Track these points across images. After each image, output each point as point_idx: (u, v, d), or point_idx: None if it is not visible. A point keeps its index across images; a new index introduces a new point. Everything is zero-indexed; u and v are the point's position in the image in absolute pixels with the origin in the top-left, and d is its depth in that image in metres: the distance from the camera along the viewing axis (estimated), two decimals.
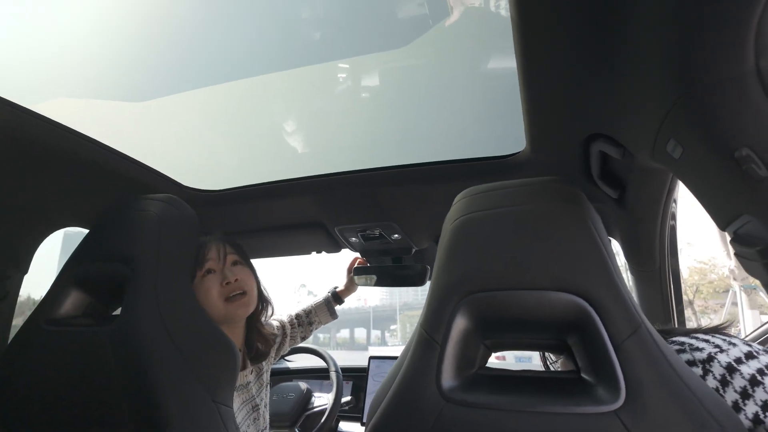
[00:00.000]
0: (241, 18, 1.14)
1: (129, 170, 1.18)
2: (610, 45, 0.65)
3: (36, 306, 1.02)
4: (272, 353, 1.51)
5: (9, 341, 1.02)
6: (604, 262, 0.53)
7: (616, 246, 1.35)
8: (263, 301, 1.39)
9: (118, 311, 0.94)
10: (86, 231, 1.11)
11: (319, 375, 2.23)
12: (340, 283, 1.84)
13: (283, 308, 1.72)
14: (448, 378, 0.54)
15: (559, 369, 0.96)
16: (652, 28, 0.57)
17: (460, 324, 0.56)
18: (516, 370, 0.58)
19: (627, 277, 1.41)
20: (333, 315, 1.77)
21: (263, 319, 1.43)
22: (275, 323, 1.62)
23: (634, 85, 0.67)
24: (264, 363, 1.44)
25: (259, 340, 1.38)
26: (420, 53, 1.38)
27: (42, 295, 1.02)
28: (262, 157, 1.51)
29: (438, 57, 1.44)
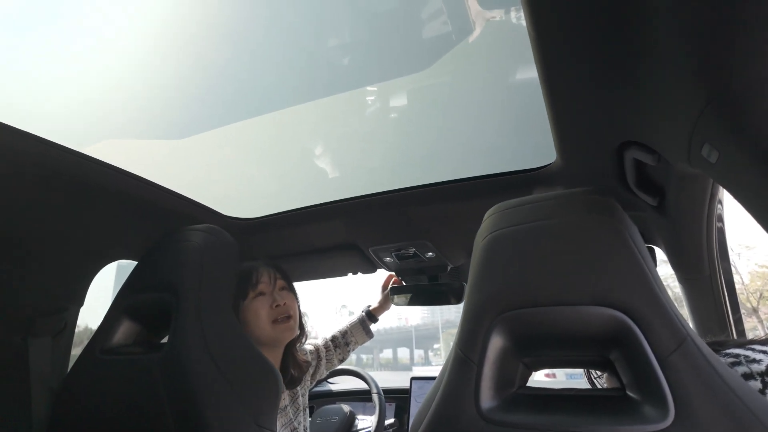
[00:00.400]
0: (269, 54, 1.20)
1: (173, 203, 1.24)
2: (635, 50, 0.64)
3: (92, 336, 1.09)
4: (307, 378, 1.52)
5: (68, 370, 1.09)
6: (643, 273, 0.51)
7: (661, 255, 1.29)
8: (300, 328, 1.42)
9: (166, 339, 0.99)
10: (136, 263, 1.18)
11: (361, 397, 2.22)
12: (374, 302, 1.82)
13: (325, 330, 1.74)
14: (487, 398, 0.53)
15: (605, 385, 0.92)
16: (678, 31, 0.56)
17: (496, 343, 0.55)
18: (558, 388, 0.56)
19: (671, 287, 1.34)
20: (369, 334, 1.76)
21: (298, 345, 1.45)
22: (309, 348, 1.63)
23: (663, 89, 0.65)
24: (299, 387, 1.45)
25: (294, 366, 1.40)
26: (444, 71, 1.39)
27: (97, 324, 1.09)
28: (295, 183, 1.56)
29: (462, 73, 1.45)
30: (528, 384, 0.60)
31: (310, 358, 1.58)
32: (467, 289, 0.62)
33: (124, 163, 1.09)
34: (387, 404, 2.00)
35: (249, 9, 1.20)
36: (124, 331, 1.09)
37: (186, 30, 1.12)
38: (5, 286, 1.09)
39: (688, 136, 0.64)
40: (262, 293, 1.28)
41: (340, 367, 2.07)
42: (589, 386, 0.96)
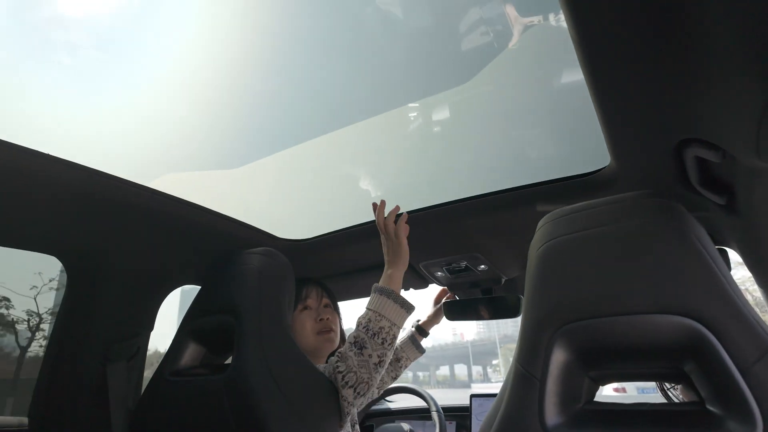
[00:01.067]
0: (312, 82, 1.25)
1: (230, 228, 1.30)
2: (689, 41, 0.60)
3: (162, 359, 1.15)
4: None
5: (142, 392, 1.15)
6: (715, 277, 0.48)
7: (735, 257, 1.20)
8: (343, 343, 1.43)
9: (229, 359, 1.03)
10: (199, 287, 1.25)
11: (420, 415, 2.19)
12: (424, 315, 1.78)
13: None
14: (552, 415, 0.51)
15: (681, 398, 0.86)
16: (740, 16, 0.53)
17: (558, 357, 0.53)
18: (629, 403, 0.53)
19: (750, 291, 1.23)
20: (420, 350, 1.71)
21: None
22: None
23: (724, 81, 0.62)
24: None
25: None
26: (487, 80, 1.39)
27: (164, 347, 1.15)
28: (343, 203, 1.59)
29: (505, 81, 1.44)
30: (595, 399, 0.57)
31: None
32: (524, 302, 0.60)
33: (184, 193, 1.16)
34: (447, 422, 1.95)
35: (290, 42, 1.26)
36: (190, 353, 1.15)
37: (235, 66, 1.19)
38: (85, 315, 1.18)
39: (755, 130, 0.60)
40: (309, 307, 1.36)
41: (396, 384, 2.06)
42: (664, 400, 0.90)
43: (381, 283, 1.18)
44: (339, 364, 1.09)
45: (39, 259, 1.11)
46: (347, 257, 1.54)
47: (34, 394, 1.14)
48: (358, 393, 1.07)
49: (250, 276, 1.10)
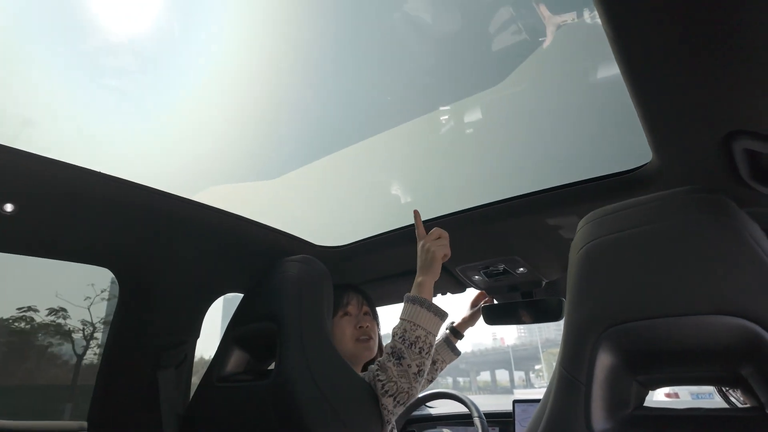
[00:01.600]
0: (345, 92, 1.27)
1: (270, 237, 1.34)
2: (736, 30, 0.58)
3: (208, 365, 1.20)
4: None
5: (191, 397, 1.20)
6: None
7: None
8: (381, 351, 1.44)
9: (273, 365, 1.06)
10: (241, 295, 1.29)
11: (462, 421, 2.16)
12: (458, 317, 1.75)
13: None
14: (599, 420, 0.50)
15: (743, 402, 0.81)
16: None
17: (604, 360, 0.51)
18: (683, 408, 0.51)
19: None
20: (455, 352, 1.69)
21: None
22: None
23: None
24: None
25: None
26: (521, 79, 1.37)
27: (209, 354, 1.19)
28: (378, 209, 1.60)
29: (540, 79, 1.42)
30: (645, 404, 0.55)
31: None
32: (567, 305, 0.59)
33: (225, 204, 1.21)
34: (490, 428, 1.92)
35: (322, 55, 1.29)
36: (235, 359, 1.19)
37: (269, 81, 1.23)
38: (137, 324, 1.24)
39: None
40: (349, 314, 1.37)
41: (437, 390, 2.04)
42: (722, 406, 0.85)
43: (412, 291, 1.17)
44: (379, 373, 1.08)
45: (91, 271, 1.18)
46: (383, 262, 1.55)
47: (92, 400, 1.21)
48: (398, 402, 1.07)
49: (290, 283, 1.12)
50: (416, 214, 1.27)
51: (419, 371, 1.08)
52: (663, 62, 0.65)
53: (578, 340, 0.54)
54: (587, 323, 0.54)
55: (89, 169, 0.93)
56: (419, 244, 1.22)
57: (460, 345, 1.72)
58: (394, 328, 1.15)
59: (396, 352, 1.08)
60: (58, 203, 0.97)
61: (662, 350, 0.50)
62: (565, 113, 1.27)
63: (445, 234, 1.20)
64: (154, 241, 1.17)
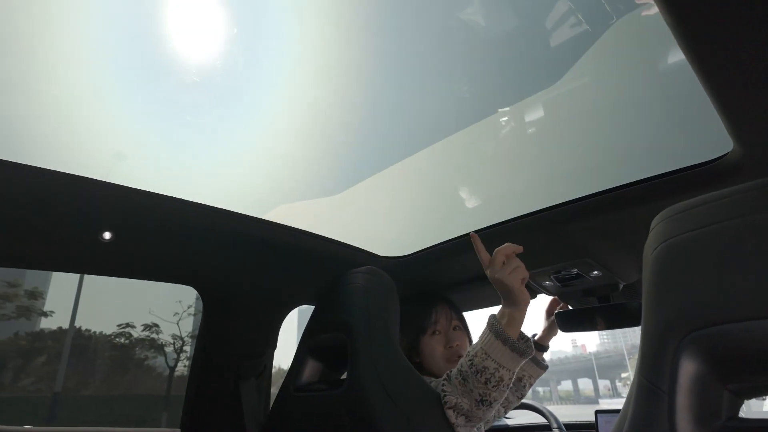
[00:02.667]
0: (401, 105, 1.30)
1: (337, 251, 1.39)
2: None
3: (285, 376, 1.26)
4: None
5: (271, 406, 1.27)
6: None
7: None
8: None
9: (345, 374, 1.10)
10: (313, 307, 1.35)
11: None
12: (539, 329, 1.66)
13: None
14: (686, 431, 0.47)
15: None
16: None
17: (688, 368, 0.48)
18: None
19: None
20: (541, 366, 1.59)
21: None
22: None
23: None
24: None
25: None
26: (583, 73, 1.32)
27: (286, 365, 1.25)
28: (441, 216, 1.60)
29: (604, 71, 1.35)
30: (741, 415, 0.50)
31: None
32: (643, 308, 0.56)
33: (294, 221, 1.27)
34: None
35: (377, 72, 1.33)
36: (310, 369, 1.24)
37: (326, 100, 1.28)
38: (219, 337, 1.34)
39: None
40: (438, 332, 1.36)
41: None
42: None
43: (498, 317, 1.06)
44: (445, 383, 1.04)
45: (178, 289, 1.29)
46: (449, 271, 1.54)
47: (183, 408, 1.31)
48: (459, 413, 1.01)
49: (357, 294, 1.16)
50: (474, 237, 1.14)
51: (483, 401, 1.00)
52: (733, 49, 0.61)
53: (657, 347, 0.51)
54: (666, 328, 0.50)
55: (174, 197, 1.03)
56: (487, 273, 1.09)
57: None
58: (470, 347, 1.08)
59: (462, 373, 1.02)
60: (149, 230, 1.08)
61: (756, 356, 0.46)
62: (631, 105, 1.20)
63: (511, 252, 1.08)
64: (232, 259, 1.26)
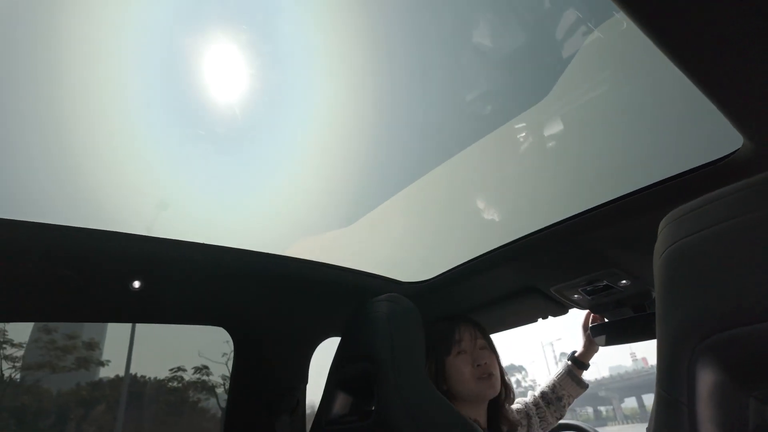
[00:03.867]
0: (407, 125, 1.32)
1: (360, 280, 1.41)
2: None
3: (317, 409, 1.26)
4: None
5: None
6: None
7: None
8: (505, 386, 1.38)
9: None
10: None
11: None
12: (579, 345, 1.62)
13: (535, 371, 1.62)
14: None
15: None
16: None
17: (705, 377, 0.46)
18: None
19: None
20: (581, 385, 1.56)
21: (507, 404, 1.40)
22: (517, 407, 1.53)
23: None
24: None
25: (504, 423, 1.35)
26: (595, 80, 1.31)
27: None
28: (460, 236, 1.59)
29: (616, 78, 1.34)
30: None
31: (518, 417, 1.49)
32: (656, 317, 0.54)
33: (314, 255, 1.30)
34: None
35: (385, 98, 1.36)
36: (340, 402, 1.24)
37: (335, 131, 1.33)
38: (252, 375, 1.36)
39: None
40: (464, 351, 1.33)
41: (564, 422, 1.89)
42: None
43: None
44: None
45: (224, 330, 1.34)
46: (473, 291, 1.52)
47: None
48: None
49: (380, 323, 1.16)
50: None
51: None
52: (714, 40, 0.60)
53: (672, 357, 0.49)
54: (679, 336, 0.48)
55: (199, 242, 1.08)
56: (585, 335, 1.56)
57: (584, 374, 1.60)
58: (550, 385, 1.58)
59: (550, 401, 1.54)
60: (176, 276, 1.13)
61: None
62: (639, 112, 1.18)
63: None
64: (257, 297, 1.30)
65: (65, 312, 1.18)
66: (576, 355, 1.60)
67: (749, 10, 0.54)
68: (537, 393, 1.60)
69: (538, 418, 1.52)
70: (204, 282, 1.18)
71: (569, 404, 1.55)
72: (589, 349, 1.58)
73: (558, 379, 1.58)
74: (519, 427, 1.44)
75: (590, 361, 1.59)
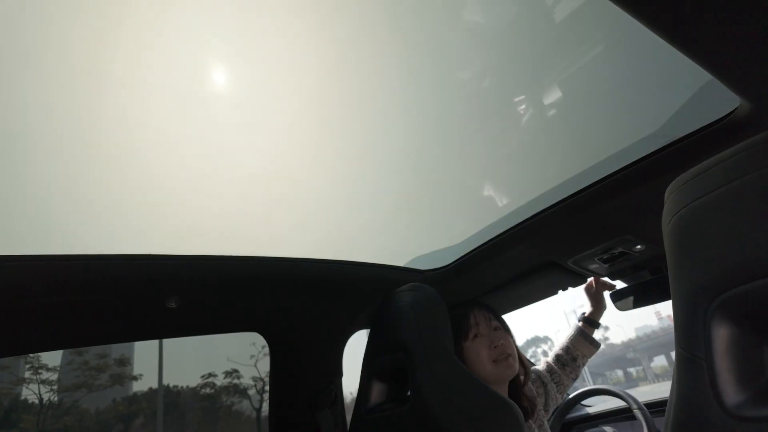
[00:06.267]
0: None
1: (382, 274, 1.46)
2: None
3: (355, 400, 1.32)
4: (540, 410, 1.48)
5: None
6: None
7: None
8: (523, 365, 1.43)
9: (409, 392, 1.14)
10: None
11: (625, 416, 2.00)
12: (586, 306, 1.67)
13: (561, 340, 1.66)
14: (731, 394, 0.47)
15: None
16: None
17: (721, 332, 0.49)
18: None
19: None
20: (594, 344, 1.61)
21: (527, 383, 1.46)
22: (531, 377, 1.58)
23: None
24: (532, 421, 1.43)
25: (524, 399, 1.41)
26: (594, 43, 1.31)
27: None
28: (473, 219, 1.62)
29: (614, 38, 1.34)
30: None
31: (534, 388, 1.54)
32: (670, 280, 0.57)
33: (336, 254, 1.35)
34: (658, 418, 1.75)
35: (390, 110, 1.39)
36: (377, 391, 1.29)
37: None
38: (290, 375, 1.42)
39: None
40: (480, 334, 1.37)
41: (589, 387, 1.94)
42: None
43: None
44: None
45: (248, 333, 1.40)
46: (492, 272, 1.56)
47: None
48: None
49: (405, 312, 1.20)
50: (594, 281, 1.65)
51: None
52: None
53: (688, 317, 0.52)
54: (693, 297, 0.51)
55: (229, 255, 1.14)
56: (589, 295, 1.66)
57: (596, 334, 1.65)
58: (564, 347, 1.62)
59: (565, 363, 1.61)
60: (211, 289, 1.19)
61: None
62: (639, 69, 1.19)
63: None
64: (288, 300, 1.35)
65: (107, 335, 1.24)
66: (586, 315, 1.65)
67: None
68: (550, 358, 1.65)
69: (554, 383, 1.57)
70: (236, 292, 1.23)
71: (584, 364, 1.61)
72: (598, 308, 1.64)
73: (571, 340, 1.63)
74: (536, 397, 1.49)
75: (616, 324, 1.65)
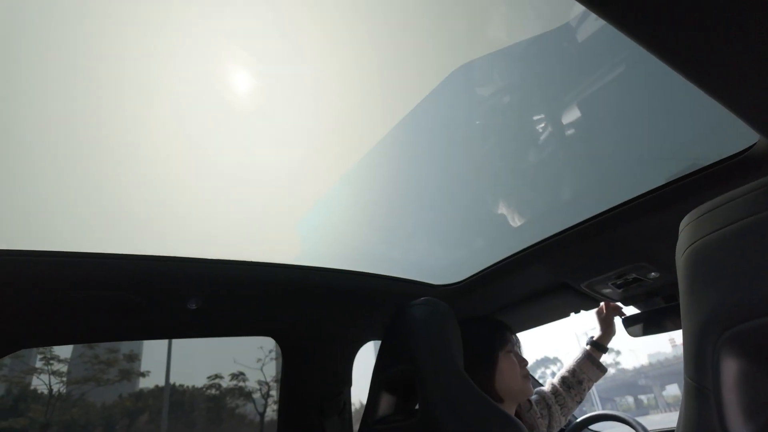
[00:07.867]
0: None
1: (395, 286, 1.48)
2: None
3: (363, 410, 1.33)
4: (542, 429, 1.48)
5: None
6: None
7: None
8: None
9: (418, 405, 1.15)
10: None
11: None
12: (596, 331, 1.66)
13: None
14: (737, 426, 0.47)
15: None
16: None
17: (730, 364, 0.50)
18: None
19: None
20: (600, 368, 1.60)
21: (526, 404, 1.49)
22: (535, 398, 1.58)
23: None
24: None
25: (523, 420, 1.44)
26: (614, 64, 1.32)
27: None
28: (489, 237, 1.64)
29: (638, 56, 1.35)
30: None
31: (538, 409, 1.54)
32: (681, 311, 0.58)
33: (351, 264, 1.38)
34: None
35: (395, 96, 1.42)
36: (385, 402, 1.31)
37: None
38: (300, 381, 1.45)
39: None
40: (512, 351, 1.39)
41: (598, 412, 1.91)
42: None
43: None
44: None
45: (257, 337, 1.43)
46: (505, 291, 1.56)
47: None
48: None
49: (417, 326, 1.22)
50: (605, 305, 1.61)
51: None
52: (709, 43, 0.62)
53: (697, 347, 0.53)
54: (703, 329, 0.52)
55: (250, 261, 1.17)
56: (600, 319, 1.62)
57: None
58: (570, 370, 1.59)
59: (571, 385, 1.57)
60: (230, 294, 1.22)
61: None
62: (663, 100, 1.20)
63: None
64: (303, 308, 1.38)
65: (129, 332, 1.28)
66: (595, 339, 1.64)
67: (744, 8, 0.57)
68: (556, 379, 1.64)
69: (558, 405, 1.56)
70: (253, 297, 1.27)
71: (589, 387, 1.60)
72: (607, 332, 1.63)
73: (577, 363, 1.62)
74: (539, 418, 1.49)
75: (628, 349, 1.65)
